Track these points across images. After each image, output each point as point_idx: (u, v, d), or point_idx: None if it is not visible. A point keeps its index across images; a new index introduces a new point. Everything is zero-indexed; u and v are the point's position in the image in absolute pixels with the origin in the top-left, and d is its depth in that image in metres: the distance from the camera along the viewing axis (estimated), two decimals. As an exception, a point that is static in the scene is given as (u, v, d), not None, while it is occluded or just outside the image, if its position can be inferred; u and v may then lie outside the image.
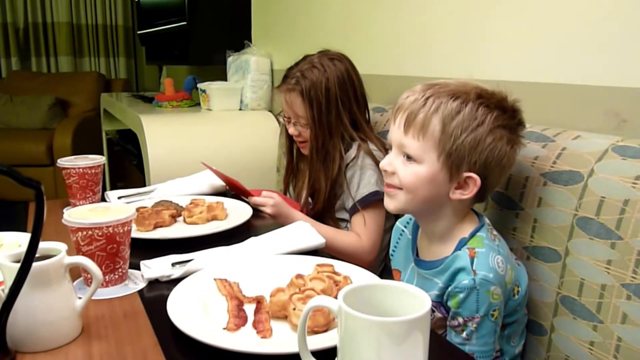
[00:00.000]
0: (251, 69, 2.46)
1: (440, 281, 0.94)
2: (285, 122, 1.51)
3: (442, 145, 0.91)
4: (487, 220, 0.99)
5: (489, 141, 0.90)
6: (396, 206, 0.98)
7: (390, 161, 0.96)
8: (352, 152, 1.44)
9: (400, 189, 0.96)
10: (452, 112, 0.90)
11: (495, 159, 0.91)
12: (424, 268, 1.00)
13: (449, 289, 0.91)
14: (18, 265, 0.66)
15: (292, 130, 1.49)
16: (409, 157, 0.94)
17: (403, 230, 1.11)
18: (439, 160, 0.91)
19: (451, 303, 0.91)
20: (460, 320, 0.90)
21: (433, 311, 0.94)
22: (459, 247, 0.94)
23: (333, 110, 1.42)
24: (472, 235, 0.95)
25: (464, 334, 0.91)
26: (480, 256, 0.90)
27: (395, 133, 0.96)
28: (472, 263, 0.89)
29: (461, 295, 0.89)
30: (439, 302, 0.95)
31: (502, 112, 0.92)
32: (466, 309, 0.89)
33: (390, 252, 1.14)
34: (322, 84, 1.40)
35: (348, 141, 1.45)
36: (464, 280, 0.89)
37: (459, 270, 0.90)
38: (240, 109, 2.54)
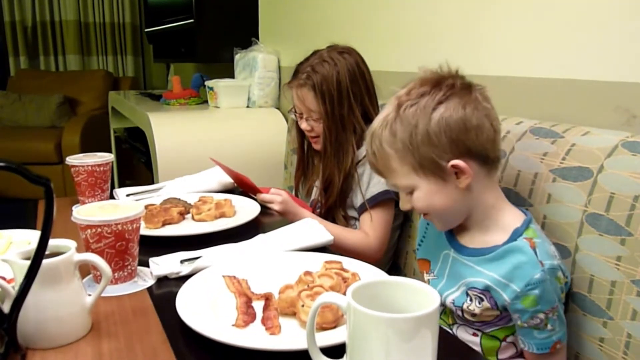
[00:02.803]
0: (258, 66, 2.46)
1: (490, 271, 0.92)
2: (297, 118, 1.50)
3: (408, 164, 0.92)
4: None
5: (435, 126, 0.89)
6: (439, 226, 1.01)
7: (404, 201, 0.99)
8: (364, 149, 1.43)
9: (427, 213, 0.98)
10: (391, 136, 0.93)
11: (457, 131, 0.89)
12: (468, 255, 0.98)
13: (519, 290, 0.88)
14: (28, 262, 0.66)
15: (304, 125, 1.48)
16: (407, 191, 0.96)
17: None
18: (419, 175, 0.93)
19: (525, 304, 0.88)
20: (542, 316, 0.89)
21: (482, 299, 0.93)
22: (514, 237, 0.92)
23: (345, 103, 1.41)
24: (526, 226, 0.93)
25: (549, 326, 0.89)
26: (540, 246, 0.90)
27: (386, 182, 1.02)
28: (536, 254, 0.88)
29: (536, 292, 0.87)
30: (486, 291, 0.93)
31: (426, 95, 0.91)
32: (545, 302, 0.88)
33: (417, 244, 1.13)
34: (334, 78, 1.40)
35: (359, 135, 1.44)
36: (536, 274, 0.87)
37: (523, 263, 0.88)
38: (247, 107, 2.54)
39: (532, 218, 0.96)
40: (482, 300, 0.94)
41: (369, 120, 1.44)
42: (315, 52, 1.47)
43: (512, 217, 0.96)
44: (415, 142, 0.90)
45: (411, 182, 0.94)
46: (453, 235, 1.03)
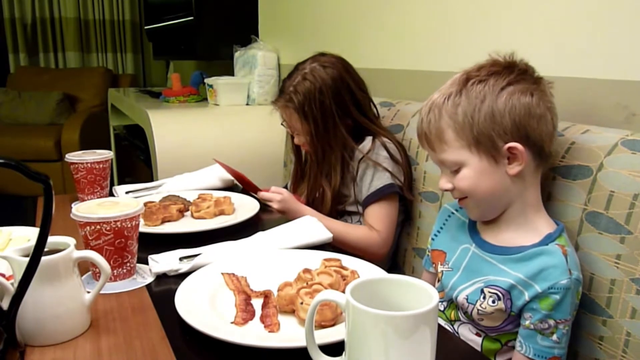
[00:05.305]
0: (258, 64, 2.46)
1: (515, 271, 0.91)
2: (289, 131, 1.51)
3: (464, 138, 0.91)
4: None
5: (502, 106, 0.89)
6: (475, 215, 1.00)
7: (445, 180, 0.98)
8: (367, 144, 1.42)
9: (466, 197, 0.96)
10: (453, 107, 0.92)
11: (521, 115, 0.89)
12: (491, 252, 0.97)
13: (541, 290, 0.87)
14: (27, 259, 0.66)
15: (296, 140, 1.49)
16: (453, 169, 0.95)
17: (453, 213, 1.09)
18: (472, 151, 0.91)
19: (542, 305, 0.87)
20: (552, 322, 0.87)
21: (498, 298, 0.91)
22: (545, 242, 0.91)
23: (330, 120, 1.40)
24: (559, 234, 0.92)
25: (555, 337, 0.88)
26: (571, 255, 0.89)
27: (431, 156, 0.99)
28: (566, 261, 0.87)
29: (556, 297, 0.86)
30: (507, 292, 0.91)
31: (497, 75, 0.92)
32: (561, 311, 0.87)
33: (433, 234, 1.11)
34: (316, 97, 1.38)
35: (351, 149, 1.43)
36: (562, 280, 0.86)
37: (551, 267, 0.87)
38: (247, 104, 2.54)
39: (564, 228, 0.94)
40: (499, 299, 0.91)
41: (358, 130, 1.44)
42: (298, 66, 1.47)
43: (545, 223, 0.95)
44: (477, 117, 0.90)
45: (462, 157, 0.93)
46: (476, 230, 1.02)
